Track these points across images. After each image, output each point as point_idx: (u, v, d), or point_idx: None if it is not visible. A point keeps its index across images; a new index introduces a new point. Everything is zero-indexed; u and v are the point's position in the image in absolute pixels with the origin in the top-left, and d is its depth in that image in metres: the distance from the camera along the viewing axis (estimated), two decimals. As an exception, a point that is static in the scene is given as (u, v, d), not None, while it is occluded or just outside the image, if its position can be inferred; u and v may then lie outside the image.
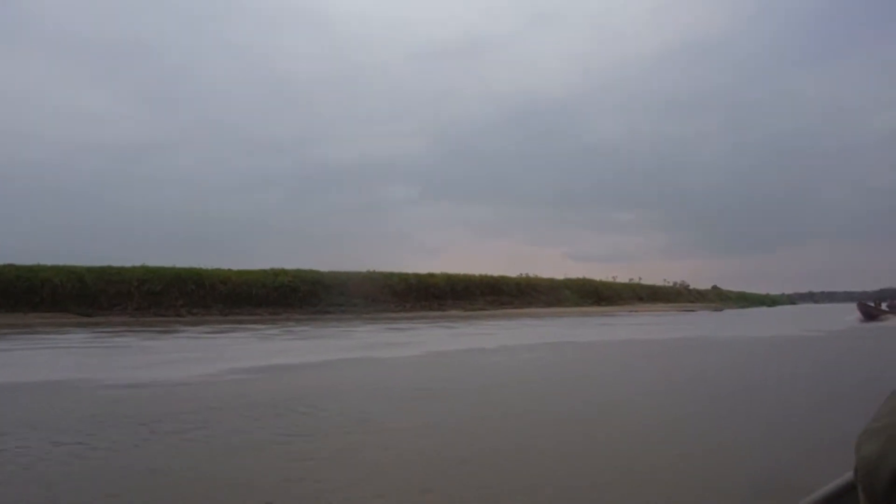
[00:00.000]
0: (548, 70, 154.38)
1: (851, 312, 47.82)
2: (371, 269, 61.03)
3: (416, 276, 61.45)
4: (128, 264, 50.31)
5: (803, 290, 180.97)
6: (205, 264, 53.50)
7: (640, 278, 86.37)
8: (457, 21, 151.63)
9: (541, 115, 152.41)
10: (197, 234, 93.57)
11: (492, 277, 67.05)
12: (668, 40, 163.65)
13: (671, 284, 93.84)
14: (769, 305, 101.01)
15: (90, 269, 47.42)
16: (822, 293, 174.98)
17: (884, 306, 38.37)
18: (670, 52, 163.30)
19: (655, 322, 35.58)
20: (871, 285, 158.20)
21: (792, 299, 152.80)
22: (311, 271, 56.52)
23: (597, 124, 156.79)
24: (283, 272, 55.02)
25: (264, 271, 54.54)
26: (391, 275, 60.31)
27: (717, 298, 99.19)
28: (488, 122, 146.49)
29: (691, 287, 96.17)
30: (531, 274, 74.82)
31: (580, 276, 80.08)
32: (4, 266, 44.49)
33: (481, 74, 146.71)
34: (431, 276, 62.87)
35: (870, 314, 35.60)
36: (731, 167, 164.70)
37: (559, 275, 77.14)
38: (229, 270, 53.30)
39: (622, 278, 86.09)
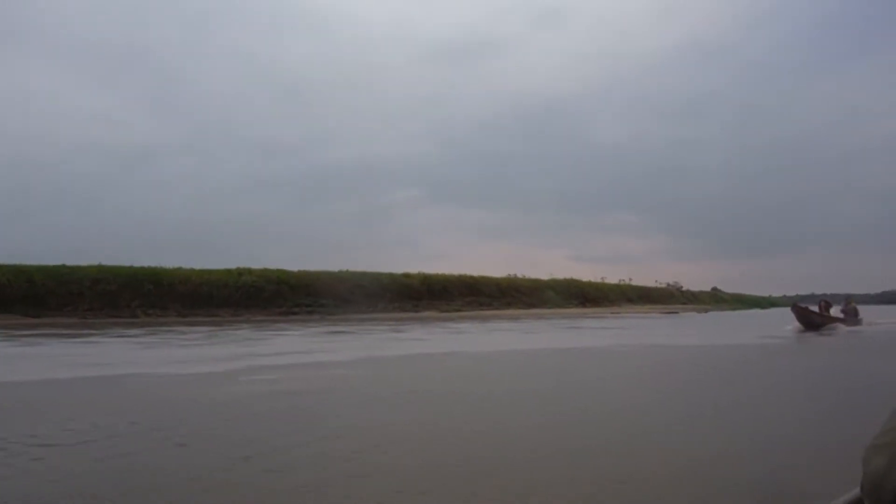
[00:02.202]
0: (552, 71, 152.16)
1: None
2: (343, 269, 58.91)
3: (390, 275, 59.23)
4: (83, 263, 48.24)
5: (805, 292, 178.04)
6: (207, 268, 51.73)
7: (630, 279, 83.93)
8: (460, 22, 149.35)
9: (545, 117, 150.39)
10: (198, 238, 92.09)
11: (471, 277, 64.73)
12: (674, 42, 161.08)
13: (664, 285, 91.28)
14: (764, 307, 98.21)
15: (40, 269, 45.32)
16: (824, 295, 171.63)
17: (835, 310, 28.40)
18: (676, 54, 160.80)
19: (624, 326, 33.15)
20: (874, 288, 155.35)
21: (792, 301, 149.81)
22: (278, 270, 54.40)
23: (601, 126, 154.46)
24: (249, 272, 52.90)
25: (228, 271, 52.41)
26: (363, 274, 58.11)
27: (712, 300, 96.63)
28: (492, 123, 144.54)
29: (684, 288, 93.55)
30: (531, 276, 72.79)
31: (583, 277, 78.06)
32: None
33: (485, 75, 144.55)
34: (407, 275, 60.66)
35: (810, 321, 26.06)
36: (735, 170, 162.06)
37: (562, 276, 75.07)
38: (191, 270, 51.18)
39: (613, 279, 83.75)
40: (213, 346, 17.35)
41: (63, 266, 46.81)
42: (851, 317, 28.06)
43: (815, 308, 28.21)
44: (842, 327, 25.61)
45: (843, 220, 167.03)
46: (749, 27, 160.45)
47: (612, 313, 58.73)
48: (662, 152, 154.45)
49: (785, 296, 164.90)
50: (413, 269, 62.60)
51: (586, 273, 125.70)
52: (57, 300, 44.28)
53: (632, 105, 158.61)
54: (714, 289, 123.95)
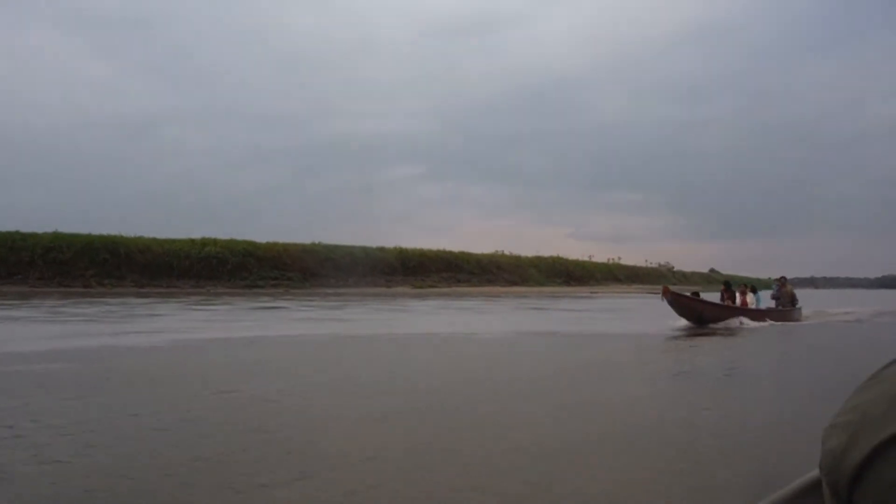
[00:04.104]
0: (558, 48, 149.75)
1: (834, 301, 40.93)
2: (316, 241, 56.95)
3: (364, 249, 57.31)
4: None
5: (805, 275, 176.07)
6: (170, 237, 49.77)
7: (619, 258, 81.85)
8: None
9: (549, 94, 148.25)
10: (198, 210, 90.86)
11: (450, 253, 62.79)
12: (682, 22, 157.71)
13: (655, 265, 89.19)
14: (753, 291, 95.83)
15: (-10, 234, 43.46)
16: (823, 279, 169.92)
17: (757, 298, 19.47)
18: (683, 34, 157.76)
19: (581, 308, 31.12)
20: (874, 272, 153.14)
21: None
22: (245, 242, 52.51)
23: (605, 104, 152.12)
24: (213, 242, 50.95)
25: (191, 241, 50.47)
26: (336, 247, 56.16)
27: (704, 281, 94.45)
28: (495, 100, 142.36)
29: (675, 269, 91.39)
30: (528, 254, 71.21)
31: (580, 256, 76.74)
32: None
33: (490, 52, 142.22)
34: (382, 249, 58.79)
35: (694, 313, 17.21)
36: (738, 152, 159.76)
37: (562, 255, 73.68)
38: (152, 239, 49.27)
39: (603, 258, 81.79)
40: (70, 324, 15.33)
41: (16, 232, 44.93)
42: (786, 305, 20.39)
43: (714, 296, 20.01)
44: (747, 322, 17.59)
45: (847, 202, 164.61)
46: (756, 10, 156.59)
47: (591, 293, 56.79)
48: (666, 132, 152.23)
49: (784, 278, 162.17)
50: (411, 244, 61.09)
51: (588, 251, 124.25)
52: (7, 268, 42.49)
53: (637, 84, 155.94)
54: (711, 270, 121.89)
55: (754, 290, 19.63)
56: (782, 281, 21.22)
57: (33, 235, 45.14)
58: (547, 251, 72.73)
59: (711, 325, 16.94)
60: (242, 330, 13.83)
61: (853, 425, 0.49)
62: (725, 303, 18.86)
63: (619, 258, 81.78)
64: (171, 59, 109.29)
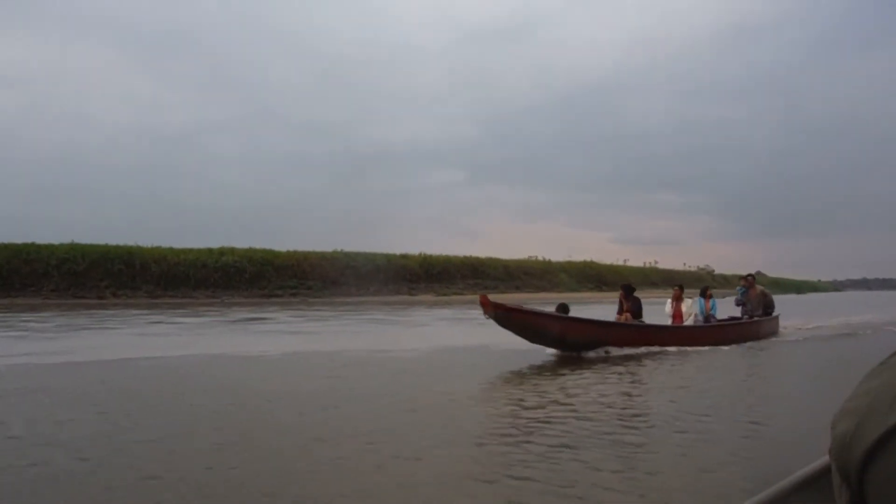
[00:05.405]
0: (595, 50, 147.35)
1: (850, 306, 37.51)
2: (337, 249, 55.44)
3: (386, 256, 55.57)
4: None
5: (858, 276, 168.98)
6: (186, 247, 48.91)
7: (655, 261, 78.53)
8: (503, 1, 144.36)
9: (587, 97, 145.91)
10: (239, 219, 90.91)
11: (476, 259, 60.76)
12: (720, 21, 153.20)
13: (694, 268, 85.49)
14: (798, 293, 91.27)
15: (6, 247, 42.95)
16: (877, 280, 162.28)
17: (713, 305, 13.93)
18: (721, 32, 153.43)
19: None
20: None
21: (838, 286, 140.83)
22: (263, 250, 51.27)
23: (644, 106, 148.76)
24: (231, 251, 49.84)
25: (209, 250, 49.42)
26: (357, 255, 54.57)
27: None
28: (534, 104, 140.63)
29: (716, 272, 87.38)
30: (560, 259, 69.27)
31: (624, 260, 74.92)
32: None
33: (528, 55, 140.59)
34: (405, 256, 57.00)
35: (550, 336, 11.02)
36: (782, 151, 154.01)
37: (607, 259, 71.79)
38: (168, 249, 48.35)
39: (636, 261, 78.63)
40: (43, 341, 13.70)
41: (31, 244, 44.38)
42: (755, 313, 14.48)
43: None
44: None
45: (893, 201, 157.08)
46: (797, 6, 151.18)
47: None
48: (706, 132, 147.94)
49: (836, 280, 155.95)
50: (446, 251, 59.85)
51: (632, 255, 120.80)
52: (21, 280, 41.93)
53: (676, 84, 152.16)
54: (757, 272, 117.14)
55: (709, 295, 14.23)
56: (749, 281, 15.28)
57: (48, 247, 44.52)
58: (588, 256, 70.47)
59: (585, 353, 10.91)
60: (151, 349, 11.61)
61: (862, 410, 0.49)
62: (623, 317, 12.17)
63: (656, 261, 78.55)
64: (207, 70, 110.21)
